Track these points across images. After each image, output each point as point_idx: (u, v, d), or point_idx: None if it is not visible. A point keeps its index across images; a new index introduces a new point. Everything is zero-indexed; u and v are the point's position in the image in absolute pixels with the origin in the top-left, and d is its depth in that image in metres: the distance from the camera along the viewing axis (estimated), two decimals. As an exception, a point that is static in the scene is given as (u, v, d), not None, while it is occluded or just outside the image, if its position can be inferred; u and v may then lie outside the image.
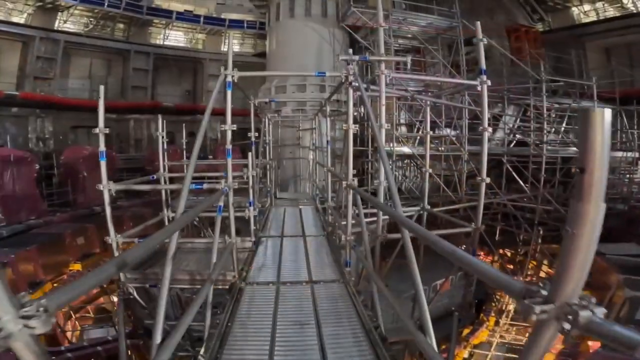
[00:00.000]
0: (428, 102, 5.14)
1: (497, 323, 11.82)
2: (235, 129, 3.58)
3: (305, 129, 9.46)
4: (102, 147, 3.64)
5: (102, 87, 3.53)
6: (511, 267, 12.90)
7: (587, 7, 18.45)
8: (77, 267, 10.65)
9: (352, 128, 3.64)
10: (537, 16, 17.64)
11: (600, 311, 0.87)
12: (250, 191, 4.57)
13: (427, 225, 5.99)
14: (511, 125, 12.56)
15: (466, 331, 10.38)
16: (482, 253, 14.09)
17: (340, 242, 3.90)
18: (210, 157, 15.53)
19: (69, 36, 19.27)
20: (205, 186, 3.67)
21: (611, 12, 17.84)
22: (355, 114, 12.41)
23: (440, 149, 10.41)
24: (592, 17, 18.42)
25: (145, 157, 17.23)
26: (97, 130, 3.50)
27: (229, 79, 3.53)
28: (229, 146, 3.63)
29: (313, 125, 8.26)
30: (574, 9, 18.79)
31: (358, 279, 4.01)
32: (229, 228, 3.78)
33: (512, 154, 10.51)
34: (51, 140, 17.71)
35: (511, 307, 12.16)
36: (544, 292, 0.97)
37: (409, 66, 3.54)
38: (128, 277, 3.83)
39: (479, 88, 3.73)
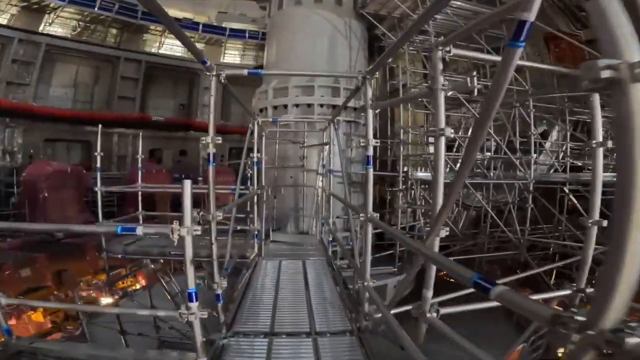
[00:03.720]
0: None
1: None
2: None
3: (313, 144, 6.98)
4: None
5: None
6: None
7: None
8: (21, 302, 9.10)
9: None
10: (579, 24, 15.67)
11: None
12: (189, 271, 1.96)
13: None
14: (559, 147, 10.31)
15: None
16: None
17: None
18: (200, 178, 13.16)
19: (52, 39, 17.40)
20: None
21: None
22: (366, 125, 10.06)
23: (490, 174, 8.02)
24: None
25: (125, 177, 14.85)
26: None
27: None
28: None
29: (324, 140, 5.81)
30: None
31: None
32: None
33: (578, 182, 8.10)
34: (19, 153, 15.48)
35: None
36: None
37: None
38: None
39: None
